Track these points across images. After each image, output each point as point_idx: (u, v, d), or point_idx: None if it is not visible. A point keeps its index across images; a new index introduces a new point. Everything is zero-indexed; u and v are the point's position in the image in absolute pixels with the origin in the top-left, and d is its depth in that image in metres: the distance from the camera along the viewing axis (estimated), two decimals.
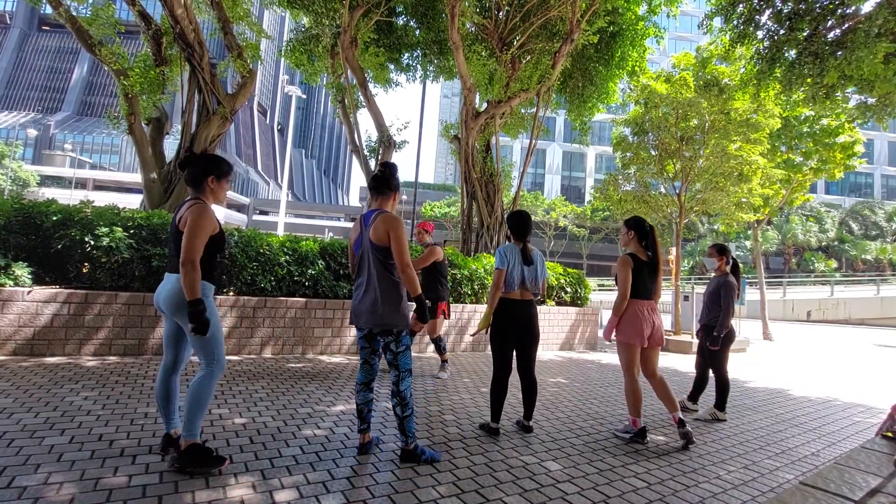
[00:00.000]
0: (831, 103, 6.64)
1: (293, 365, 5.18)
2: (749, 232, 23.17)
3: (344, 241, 6.62)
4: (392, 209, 2.83)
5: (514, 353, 3.50)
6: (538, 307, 3.71)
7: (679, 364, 7.67)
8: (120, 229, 4.79)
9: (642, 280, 3.49)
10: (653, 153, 12.20)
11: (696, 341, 4.66)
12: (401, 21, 11.34)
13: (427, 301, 5.09)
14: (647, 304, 3.51)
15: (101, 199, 7.86)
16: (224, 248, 2.56)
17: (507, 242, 3.64)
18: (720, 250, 4.52)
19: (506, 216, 10.82)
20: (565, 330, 8.45)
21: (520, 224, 3.55)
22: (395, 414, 2.73)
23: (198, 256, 2.29)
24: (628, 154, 12.65)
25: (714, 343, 4.25)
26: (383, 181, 2.83)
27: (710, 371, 4.53)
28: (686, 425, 3.45)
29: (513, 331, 3.43)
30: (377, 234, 2.66)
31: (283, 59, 11.62)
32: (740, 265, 4.62)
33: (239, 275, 5.50)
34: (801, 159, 13.58)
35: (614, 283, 3.71)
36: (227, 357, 5.26)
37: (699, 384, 4.62)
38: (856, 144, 12.68)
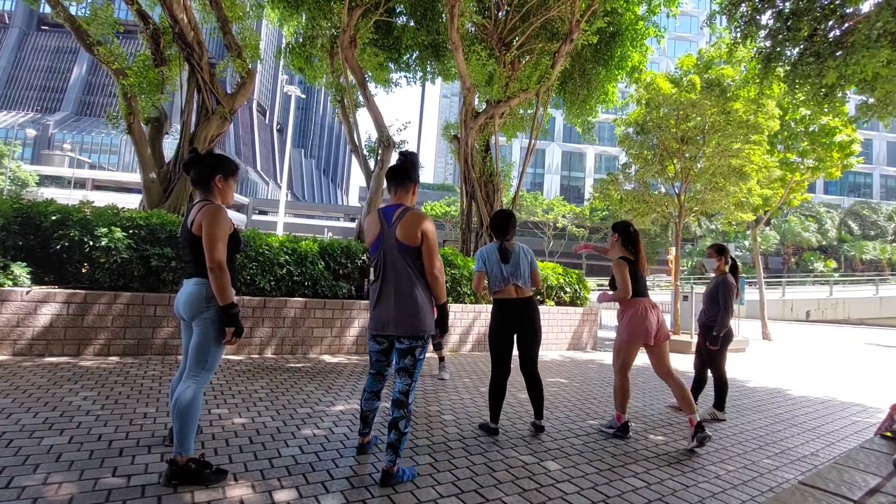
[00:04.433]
0: (831, 104, 6.64)
1: (293, 365, 5.17)
2: (748, 232, 23.21)
3: (343, 241, 6.61)
4: (412, 203, 2.62)
5: (518, 352, 3.45)
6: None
7: (678, 364, 7.66)
8: (119, 229, 4.78)
9: (637, 278, 3.55)
10: (655, 152, 12.22)
11: (694, 341, 4.66)
12: (400, 21, 11.33)
13: None
14: (649, 302, 3.55)
15: (100, 198, 7.86)
16: (240, 247, 2.51)
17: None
18: (719, 250, 4.52)
19: None
20: (565, 330, 8.45)
21: (497, 223, 3.52)
22: (396, 429, 2.41)
23: (224, 258, 2.27)
24: (634, 150, 12.66)
25: (713, 343, 4.26)
26: (404, 172, 2.59)
27: (709, 371, 4.54)
28: (705, 429, 3.34)
29: (510, 331, 3.39)
30: (406, 233, 2.43)
31: (282, 59, 11.59)
32: (739, 265, 4.62)
33: (238, 275, 5.50)
34: (799, 159, 13.59)
35: (609, 287, 3.72)
36: (228, 357, 5.26)
37: (698, 384, 4.62)
38: (853, 143, 12.69)
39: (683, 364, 7.59)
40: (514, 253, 3.44)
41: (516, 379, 3.57)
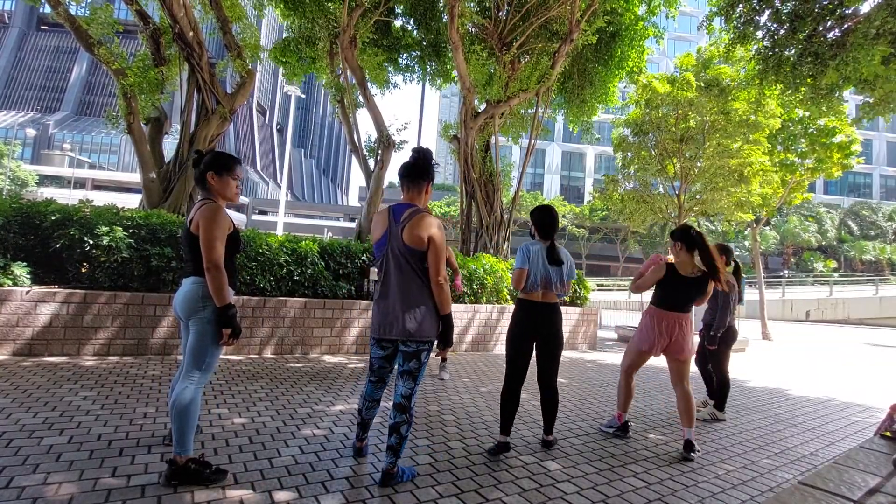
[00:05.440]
0: (830, 104, 6.65)
1: (293, 365, 5.17)
2: (748, 232, 23.22)
3: (343, 241, 6.61)
4: (425, 203, 2.50)
5: (537, 361, 3.27)
6: None
7: None
8: (119, 229, 4.78)
9: (672, 292, 3.35)
10: (653, 153, 12.22)
11: (696, 340, 4.67)
12: (399, 22, 11.32)
13: None
14: (669, 317, 3.34)
15: (100, 198, 7.86)
16: (240, 247, 2.47)
17: (531, 239, 3.29)
18: (721, 251, 4.52)
19: (507, 213, 10.83)
20: (565, 330, 8.45)
21: (547, 221, 3.21)
22: (398, 433, 2.38)
23: (221, 258, 2.23)
24: (629, 154, 12.67)
25: (711, 342, 4.26)
26: (419, 169, 2.45)
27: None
28: (692, 450, 3.22)
29: (533, 334, 3.19)
30: (413, 237, 2.32)
31: (270, 56, 11.52)
32: (741, 265, 4.63)
33: (238, 275, 5.50)
34: (799, 159, 13.60)
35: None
36: (227, 357, 5.26)
37: (708, 382, 4.61)
38: (853, 144, 12.69)
39: None
40: (564, 256, 3.20)
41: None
